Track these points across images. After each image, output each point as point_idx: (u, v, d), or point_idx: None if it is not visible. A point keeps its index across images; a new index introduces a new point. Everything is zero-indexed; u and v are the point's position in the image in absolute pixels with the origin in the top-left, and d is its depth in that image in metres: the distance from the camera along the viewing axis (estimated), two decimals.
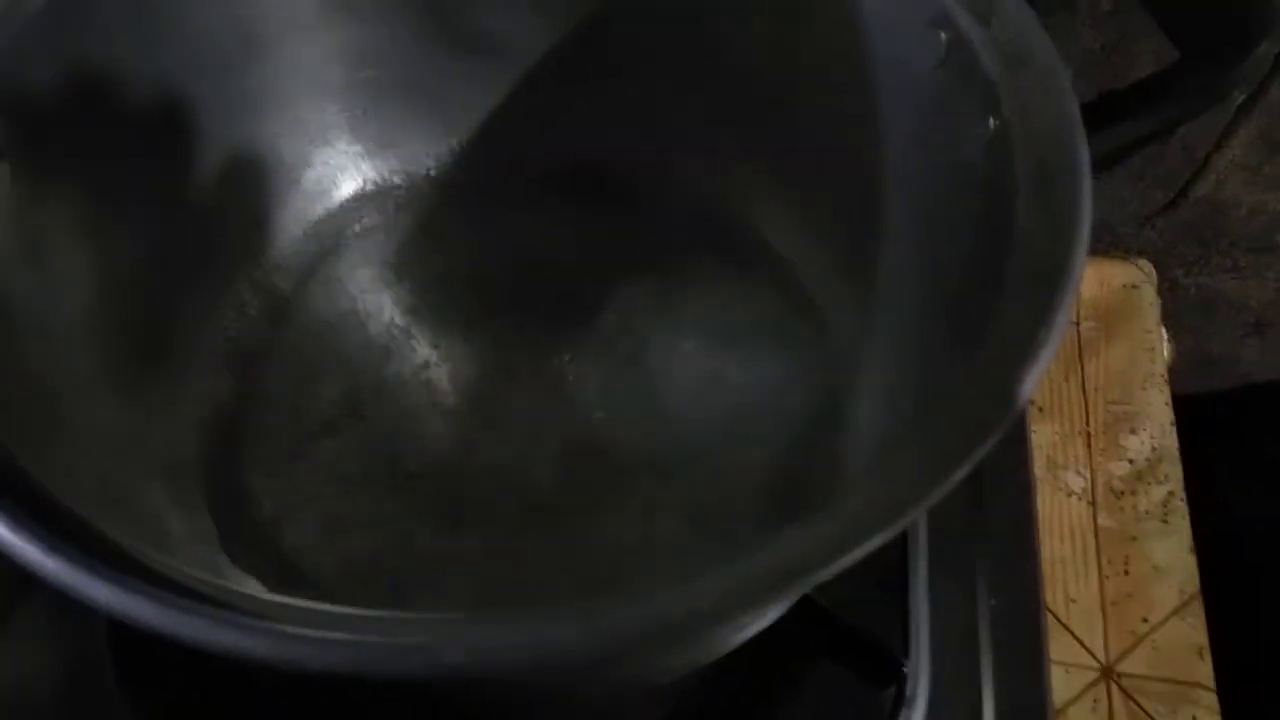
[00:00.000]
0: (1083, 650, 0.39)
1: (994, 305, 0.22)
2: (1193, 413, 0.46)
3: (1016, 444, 0.39)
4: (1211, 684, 0.38)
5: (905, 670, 0.31)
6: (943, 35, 0.27)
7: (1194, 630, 0.39)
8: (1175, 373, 0.47)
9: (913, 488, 0.19)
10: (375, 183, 0.38)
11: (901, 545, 0.33)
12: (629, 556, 0.30)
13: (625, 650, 0.17)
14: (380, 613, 0.16)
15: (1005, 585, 0.34)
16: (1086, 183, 0.23)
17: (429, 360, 0.35)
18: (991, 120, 0.25)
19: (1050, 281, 0.21)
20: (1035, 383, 0.20)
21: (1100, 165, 0.24)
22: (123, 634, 0.32)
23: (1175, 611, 0.40)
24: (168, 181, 0.31)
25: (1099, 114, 0.26)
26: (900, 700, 0.31)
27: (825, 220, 0.33)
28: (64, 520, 0.18)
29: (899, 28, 0.28)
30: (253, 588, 0.28)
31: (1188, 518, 0.42)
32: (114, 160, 0.29)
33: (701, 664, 0.29)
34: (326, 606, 0.16)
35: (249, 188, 0.34)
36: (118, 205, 0.29)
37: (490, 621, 0.16)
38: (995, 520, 0.35)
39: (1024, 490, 0.37)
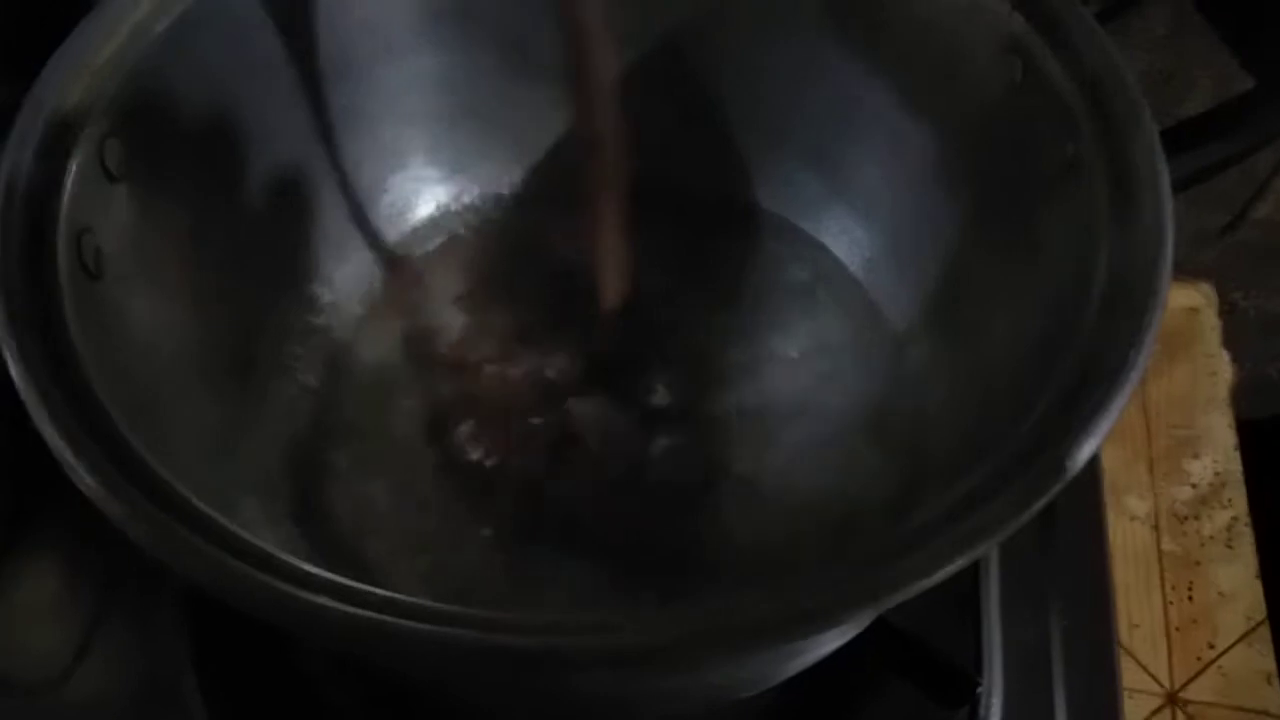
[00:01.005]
0: (1147, 676, 0.39)
1: (1075, 334, 0.22)
2: (1257, 437, 0.46)
3: (1087, 466, 0.38)
4: None
5: (979, 691, 0.31)
6: (1018, 61, 0.27)
7: (1262, 657, 0.39)
8: (1238, 397, 0.47)
9: (990, 517, 0.20)
10: (447, 204, 0.39)
11: (974, 566, 0.33)
12: (710, 570, 0.31)
13: (742, 648, 0.18)
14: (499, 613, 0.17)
15: (1077, 606, 0.34)
16: (1168, 209, 0.23)
17: (499, 377, 0.36)
18: (1070, 146, 0.25)
19: (1134, 311, 0.22)
20: (1117, 415, 0.21)
21: (1173, 191, 0.24)
22: (206, 647, 0.32)
23: (1242, 638, 0.40)
24: (255, 202, 0.32)
25: (1175, 140, 0.26)
26: None
27: (903, 245, 0.34)
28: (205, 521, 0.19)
29: (973, 54, 0.28)
30: None
31: (1253, 543, 0.42)
32: (207, 181, 0.30)
33: (773, 684, 0.29)
34: (456, 608, 0.17)
35: (329, 208, 0.35)
36: (209, 225, 0.30)
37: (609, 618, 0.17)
38: (1066, 542, 0.35)
39: (1094, 512, 0.36)
